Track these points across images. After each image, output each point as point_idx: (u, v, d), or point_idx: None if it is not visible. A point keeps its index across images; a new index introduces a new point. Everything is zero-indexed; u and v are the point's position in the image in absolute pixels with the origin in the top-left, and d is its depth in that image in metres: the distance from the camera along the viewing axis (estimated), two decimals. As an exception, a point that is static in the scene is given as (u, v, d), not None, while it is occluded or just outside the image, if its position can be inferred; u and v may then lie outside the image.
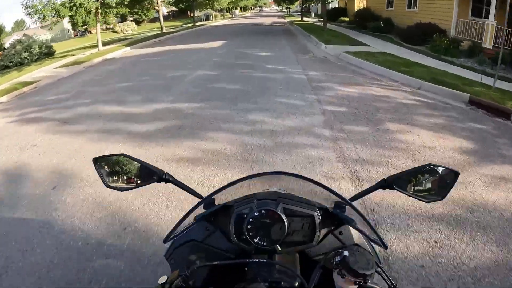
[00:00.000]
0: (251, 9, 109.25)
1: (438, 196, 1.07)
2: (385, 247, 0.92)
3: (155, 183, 1.10)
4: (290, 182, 1.09)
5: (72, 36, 61.96)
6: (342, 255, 0.81)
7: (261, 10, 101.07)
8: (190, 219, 0.97)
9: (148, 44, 20.13)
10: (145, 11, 30.96)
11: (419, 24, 14.54)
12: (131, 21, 72.66)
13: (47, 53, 22.00)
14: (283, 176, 1.05)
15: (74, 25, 61.26)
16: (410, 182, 1.06)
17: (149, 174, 1.11)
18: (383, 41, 15.14)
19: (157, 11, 28.32)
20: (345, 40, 15.14)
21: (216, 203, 1.00)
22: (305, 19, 37.50)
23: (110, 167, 1.13)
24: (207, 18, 56.42)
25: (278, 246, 0.87)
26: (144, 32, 35.35)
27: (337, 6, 38.05)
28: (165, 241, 0.96)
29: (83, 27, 67.29)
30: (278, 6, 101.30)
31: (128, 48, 18.29)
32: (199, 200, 1.03)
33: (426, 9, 15.52)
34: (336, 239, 0.97)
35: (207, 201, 0.99)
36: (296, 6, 59.24)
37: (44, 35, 67.23)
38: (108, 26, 71.45)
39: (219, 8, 52.30)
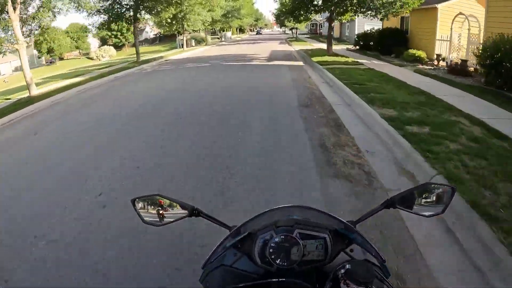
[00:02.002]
0: (251, 30, 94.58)
1: (437, 211, 1.16)
2: (383, 261, 1.02)
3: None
4: (306, 211, 1.20)
5: (44, 62, 53.87)
6: (346, 267, 0.91)
7: (258, 33, 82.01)
8: (221, 247, 1.09)
9: None
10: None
11: None
12: (110, 45, 59.54)
13: None
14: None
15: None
16: (411, 200, 1.15)
17: (182, 210, 1.22)
18: None
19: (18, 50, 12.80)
20: None
21: (242, 230, 1.09)
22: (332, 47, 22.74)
23: (147, 206, 1.24)
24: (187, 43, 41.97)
25: (296, 265, 0.96)
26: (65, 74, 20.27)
27: (373, 27, 22.70)
28: (203, 267, 1.11)
29: (49, 55, 55.37)
30: (281, 28, 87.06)
31: None
32: (227, 230, 1.19)
33: None
34: (348, 256, 1.04)
35: (236, 230, 1.12)
36: (305, 27, 43.81)
37: (14, 62, 55.97)
38: (83, 51, 59.48)
39: (190, 31, 37.22)
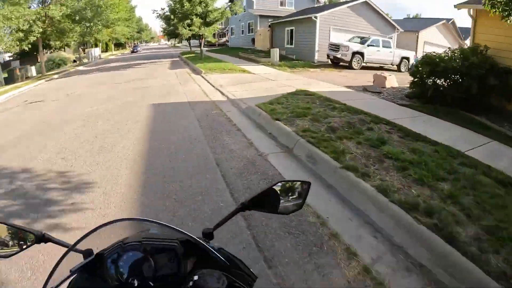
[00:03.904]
0: (135, 44, 73.55)
1: (294, 207, 1.13)
2: (228, 265, 0.95)
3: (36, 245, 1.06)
4: (152, 225, 1.08)
5: None
6: (193, 279, 0.85)
7: (134, 51, 50.51)
8: (64, 271, 0.95)
9: None
10: None
11: None
12: None
13: None
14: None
15: None
16: (266, 200, 1.09)
17: (28, 237, 1.07)
18: None
19: None
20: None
21: (81, 248, 1.00)
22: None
23: None
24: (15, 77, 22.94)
25: (150, 282, 0.90)
26: None
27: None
28: None
29: None
30: (169, 40, 68.80)
31: None
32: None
33: None
34: (207, 265, 0.98)
35: (85, 252, 1.00)
36: (216, 34, 27.71)
37: None
38: None
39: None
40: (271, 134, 5.69)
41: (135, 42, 72.91)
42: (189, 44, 28.66)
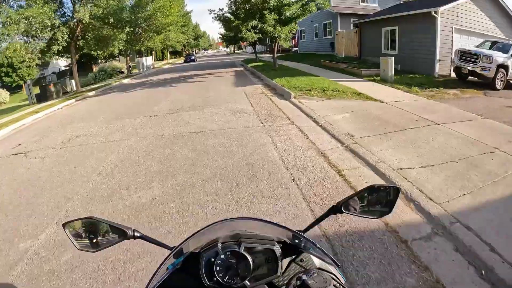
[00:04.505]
0: (194, 52, 70.02)
1: (385, 211, 1.11)
2: (338, 266, 0.98)
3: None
4: (250, 223, 1.18)
5: None
6: (301, 279, 0.84)
7: (188, 60, 42.85)
8: (163, 269, 0.98)
9: None
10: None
11: None
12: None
13: None
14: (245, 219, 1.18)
15: None
16: (357, 204, 1.10)
17: (118, 233, 1.08)
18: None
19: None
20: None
21: (184, 250, 1.01)
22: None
23: (80, 230, 1.08)
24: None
25: (247, 281, 0.89)
26: None
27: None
28: None
29: None
30: (227, 47, 64.92)
31: None
32: (169, 251, 1.06)
33: None
34: (299, 267, 0.98)
35: (177, 250, 1.01)
36: (290, 37, 21.28)
37: None
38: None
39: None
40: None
41: (193, 50, 69.56)
42: (255, 50, 23.27)
